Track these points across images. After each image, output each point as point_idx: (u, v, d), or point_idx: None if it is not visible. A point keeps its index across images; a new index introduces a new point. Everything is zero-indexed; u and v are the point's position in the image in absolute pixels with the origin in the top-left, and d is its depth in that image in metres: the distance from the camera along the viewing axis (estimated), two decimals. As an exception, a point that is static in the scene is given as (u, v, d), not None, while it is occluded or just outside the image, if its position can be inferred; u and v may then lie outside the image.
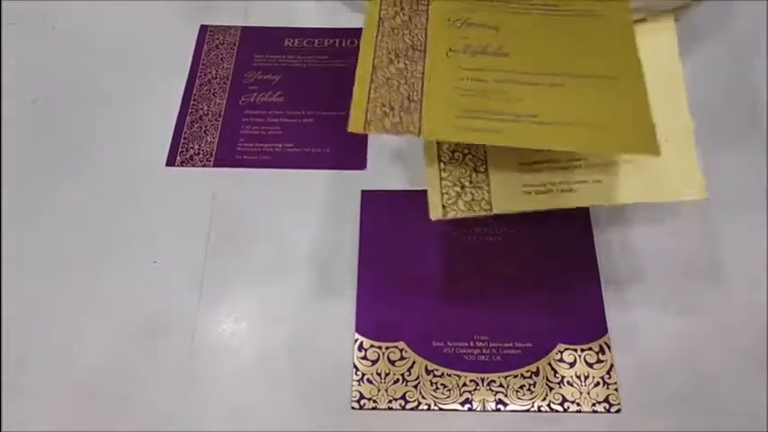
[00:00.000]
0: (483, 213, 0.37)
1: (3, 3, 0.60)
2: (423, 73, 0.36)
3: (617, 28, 0.38)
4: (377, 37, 0.38)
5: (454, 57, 0.38)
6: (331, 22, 0.59)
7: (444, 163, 0.38)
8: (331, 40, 0.58)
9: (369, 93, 0.35)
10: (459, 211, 0.37)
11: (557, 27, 0.39)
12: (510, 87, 0.36)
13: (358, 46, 0.56)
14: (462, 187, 0.37)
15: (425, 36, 0.38)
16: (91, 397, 0.42)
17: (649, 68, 0.36)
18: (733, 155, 0.49)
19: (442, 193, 0.38)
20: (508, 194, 0.37)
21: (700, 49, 0.54)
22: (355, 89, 0.35)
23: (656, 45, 0.40)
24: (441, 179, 0.38)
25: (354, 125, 0.34)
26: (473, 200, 0.37)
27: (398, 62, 0.37)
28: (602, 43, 0.38)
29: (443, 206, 0.37)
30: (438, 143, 0.38)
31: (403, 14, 0.39)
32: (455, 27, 0.39)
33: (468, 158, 0.38)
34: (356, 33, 0.58)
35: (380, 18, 0.39)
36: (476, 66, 0.37)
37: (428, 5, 0.40)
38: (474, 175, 0.38)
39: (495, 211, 0.37)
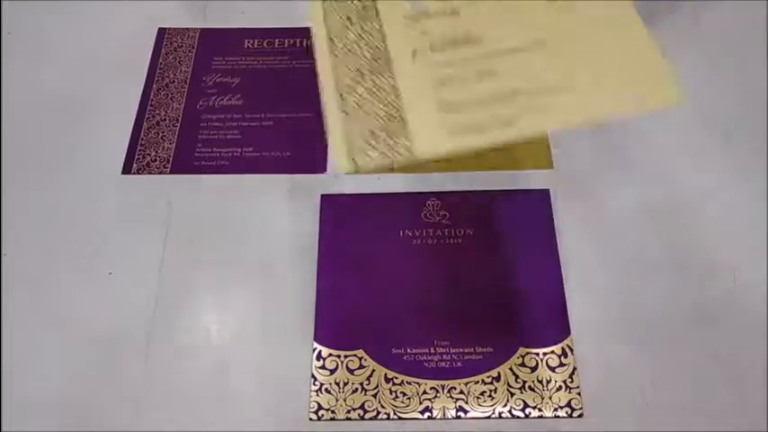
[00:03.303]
0: (402, 161, 0.32)
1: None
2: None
3: None
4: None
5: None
6: (292, 21, 0.58)
7: (349, 114, 0.33)
8: (291, 41, 0.57)
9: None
10: (371, 159, 0.32)
11: None
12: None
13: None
14: (375, 135, 0.32)
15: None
16: (46, 411, 0.41)
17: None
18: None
19: (349, 146, 0.32)
20: (432, 139, 0.32)
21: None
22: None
23: None
24: (346, 132, 0.33)
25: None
26: (389, 148, 0.32)
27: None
28: None
29: (352, 159, 0.32)
30: (340, 94, 0.34)
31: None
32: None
33: (380, 108, 0.33)
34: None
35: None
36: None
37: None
38: (388, 123, 0.33)
39: (418, 156, 0.32)
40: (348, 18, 0.36)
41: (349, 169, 0.31)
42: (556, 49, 0.34)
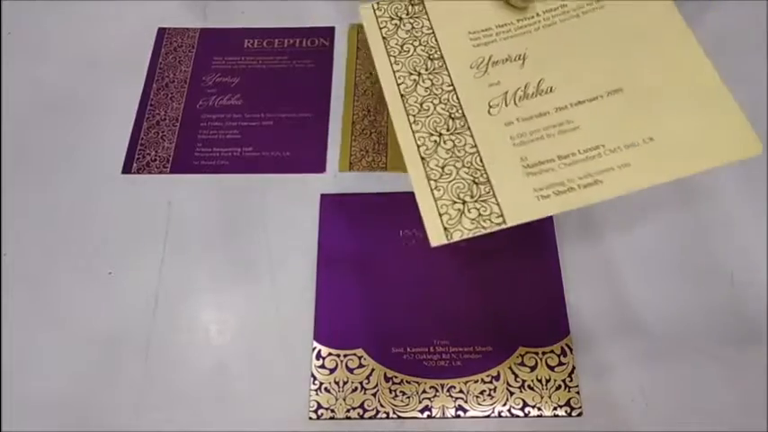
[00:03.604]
0: (496, 228, 0.31)
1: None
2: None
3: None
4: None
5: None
6: (292, 21, 0.58)
7: (435, 180, 0.33)
8: (291, 40, 0.57)
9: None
10: (465, 230, 0.31)
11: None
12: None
13: (319, 45, 0.57)
14: (464, 203, 0.32)
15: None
16: (46, 411, 0.41)
17: (652, 30, 0.35)
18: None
19: (440, 214, 0.32)
20: (521, 202, 0.31)
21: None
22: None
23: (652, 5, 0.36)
24: (435, 199, 0.32)
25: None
26: (480, 215, 0.31)
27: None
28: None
29: (445, 228, 0.31)
30: (422, 158, 0.33)
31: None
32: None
33: (464, 171, 0.33)
34: (317, 33, 0.57)
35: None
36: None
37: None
38: (475, 187, 0.32)
39: (510, 223, 0.31)
40: (417, 72, 0.36)
41: (445, 242, 0.31)
42: (632, 98, 0.33)
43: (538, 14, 0.37)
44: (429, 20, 0.37)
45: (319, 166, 0.50)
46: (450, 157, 0.33)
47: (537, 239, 0.45)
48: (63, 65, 0.56)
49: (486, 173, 0.33)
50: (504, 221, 0.31)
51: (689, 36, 0.35)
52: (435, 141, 0.33)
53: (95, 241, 0.47)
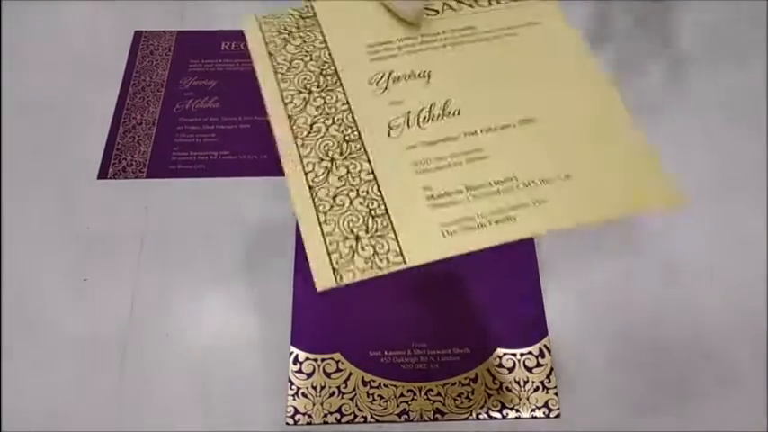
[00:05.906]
0: (394, 269, 0.27)
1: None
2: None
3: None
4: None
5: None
6: (269, 23, 0.57)
7: (324, 213, 0.28)
8: (269, 42, 0.56)
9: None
10: (357, 271, 0.27)
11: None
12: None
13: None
14: (357, 239, 0.28)
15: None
16: (21, 419, 0.40)
17: (552, 57, 0.33)
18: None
19: (329, 253, 0.27)
20: (424, 239, 0.28)
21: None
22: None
23: (550, 29, 0.34)
24: (323, 234, 0.28)
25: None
26: (376, 254, 0.27)
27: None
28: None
29: (334, 269, 0.27)
30: (310, 187, 0.29)
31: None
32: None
33: (358, 201, 0.28)
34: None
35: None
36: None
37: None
38: (371, 220, 0.28)
39: (411, 263, 0.27)
40: (307, 89, 0.32)
41: (334, 285, 0.27)
42: (545, 131, 0.31)
43: (444, 32, 0.34)
44: (322, 33, 0.34)
45: (297, 169, 0.49)
46: (344, 185, 0.29)
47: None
48: (38, 68, 0.55)
49: (384, 203, 0.28)
50: (404, 261, 0.27)
51: (599, 74, 0.32)
52: (326, 168, 0.29)
53: (71, 248, 0.46)
